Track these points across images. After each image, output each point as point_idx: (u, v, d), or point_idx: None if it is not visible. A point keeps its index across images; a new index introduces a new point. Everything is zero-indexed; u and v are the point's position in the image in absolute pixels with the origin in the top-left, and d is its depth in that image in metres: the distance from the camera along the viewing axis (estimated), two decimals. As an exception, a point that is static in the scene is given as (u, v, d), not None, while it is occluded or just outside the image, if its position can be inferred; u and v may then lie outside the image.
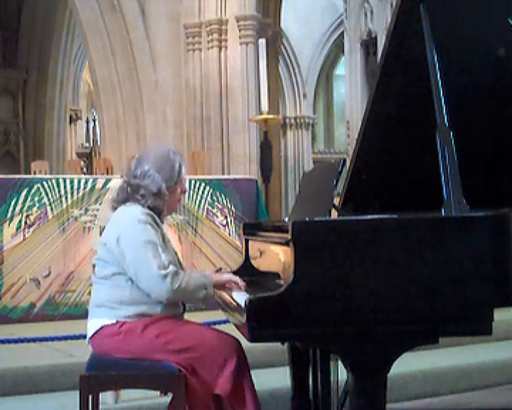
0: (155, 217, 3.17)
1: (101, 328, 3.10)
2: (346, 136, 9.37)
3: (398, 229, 2.59)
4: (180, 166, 3.25)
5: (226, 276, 3.28)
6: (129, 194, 3.20)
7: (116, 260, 3.11)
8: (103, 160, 9.68)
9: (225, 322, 3.80)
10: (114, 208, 3.25)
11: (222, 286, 3.22)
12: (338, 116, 18.59)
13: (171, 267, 3.05)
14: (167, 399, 3.30)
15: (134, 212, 3.13)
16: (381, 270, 2.54)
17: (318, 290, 2.52)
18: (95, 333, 3.13)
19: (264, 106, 7.27)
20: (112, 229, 3.18)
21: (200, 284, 3.11)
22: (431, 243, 2.57)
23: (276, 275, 3.02)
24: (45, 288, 5.83)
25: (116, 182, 5.98)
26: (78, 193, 5.94)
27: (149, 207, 3.16)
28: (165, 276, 3.01)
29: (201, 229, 6.36)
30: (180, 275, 3.06)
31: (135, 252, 3.06)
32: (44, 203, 5.86)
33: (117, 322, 3.08)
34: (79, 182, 5.99)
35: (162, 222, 3.26)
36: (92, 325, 3.15)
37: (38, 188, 5.86)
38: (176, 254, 3.30)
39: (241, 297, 2.89)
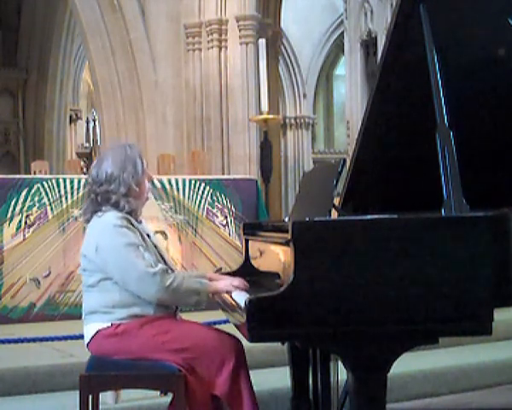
0: (130, 219, 3.13)
1: (97, 332, 3.10)
2: (346, 136, 9.36)
3: (398, 229, 2.59)
4: (141, 158, 3.20)
5: (225, 284, 3.18)
6: (100, 203, 3.15)
7: (99, 268, 3.09)
8: (103, 160, 9.66)
9: (225, 322, 3.80)
10: (88, 221, 3.20)
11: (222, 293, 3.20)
12: (338, 116, 18.59)
13: (160, 266, 3.04)
14: (167, 399, 3.30)
15: (108, 218, 3.10)
16: (380, 270, 2.54)
17: (318, 290, 2.52)
18: (92, 338, 3.12)
19: (264, 106, 7.27)
20: (89, 239, 3.14)
21: (193, 288, 3.08)
22: (431, 243, 2.57)
23: (276, 275, 3.02)
24: (45, 288, 5.83)
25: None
26: (78, 193, 5.94)
27: (126, 212, 3.13)
28: (155, 274, 3.00)
29: (201, 229, 6.36)
30: (171, 274, 3.05)
31: (117, 257, 3.03)
32: (44, 203, 5.86)
33: (112, 325, 3.07)
34: (79, 182, 5.98)
35: (140, 222, 3.22)
36: (88, 330, 3.15)
37: (38, 188, 5.86)
38: (156, 247, 3.26)
39: (241, 297, 2.89)
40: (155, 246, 3.26)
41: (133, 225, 3.13)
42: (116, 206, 3.13)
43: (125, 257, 3.02)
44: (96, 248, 3.07)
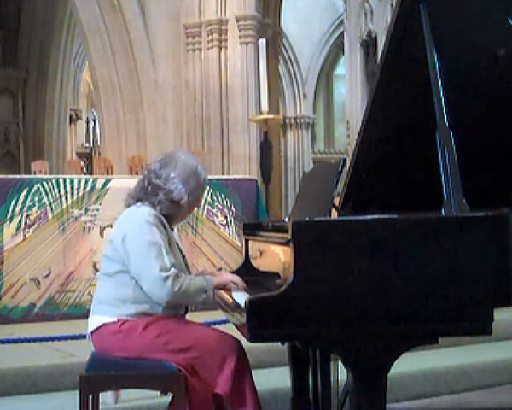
0: (163, 220, 3.16)
1: (103, 325, 3.11)
2: (346, 136, 9.37)
3: (398, 229, 2.59)
4: (204, 184, 3.25)
5: (227, 277, 3.25)
6: (147, 193, 3.18)
7: (121, 259, 3.12)
8: (103, 160, 9.70)
9: (225, 322, 3.80)
10: (128, 205, 3.24)
11: (223, 287, 3.22)
12: (338, 116, 18.60)
13: (173, 270, 3.05)
14: (167, 399, 3.30)
15: (143, 212, 3.13)
16: (380, 270, 2.54)
17: (318, 290, 2.52)
18: (96, 329, 3.13)
19: (264, 106, 7.27)
20: (119, 227, 3.19)
21: (200, 287, 3.10)
22: (431, 243, 2.57)
23: (276, 275, 3.02)
24: (45, 288, 5.83)
25: (116, 182, 6.00)
26: (78, 193, 5.93)
27: (162, 213, 3.16)
28: (166, 278, 3.02)
29: (201, 229, 6.36)
30: (181, 278, 3.06)
31: (138, 252, 3.06)
32: (44, 203, 5.86)
33: (118, 320, 3.09)
34: (79, 182, 5.98)
35: (172, 228, 3.26)
36: (93, 320, 3.16)
37: (38, 188, 5.86)
38: (184, 257, 3.30)
39: (241, 297, 2.89)
40: (183, 256, 3.29)
41: (164, 227, 3.15)
42: (157, 204, 3.15)
43: (145, 255, 3.05)
44: (123, 238, 3.10)
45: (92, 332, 3.16)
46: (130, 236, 3.10)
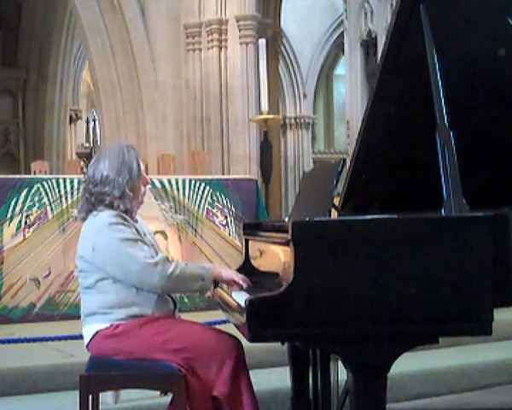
0: (125, 217, 3.13)
1: (97, 333, 3.10)
2: (346, 136, 9.36)
3: (399, 229, 2.59)
4: (138, 163, 3.19)
5: (229, 274, 3.21)
6: (94, 203, 3.15)
7: (96, 267, 3.09)
8: (103, 160, 9.66)
9: (225, 322, 3.80)
10: (84, 219, 3.20)
11: (224, 282, 3.19)
12: (338, 116, 18.59)
13: (161, 255, 3.04)
14: (167, 399, 3.30)
15: (103, 217, 3.10)
16: (380, 270, 2.54)
17: (318, 290, 2.52)
18: (91, 339, 3.12)
19: (264, 106, 7.27)
20: (85, 240, 3.15)
21: (196, 273, 3.08)
22: (431, 243, 2.57)
23: (276, 275, 3.02)
24: (45, 288, 5.83)
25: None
26: (78, 193, 5.93)
27: (121, 211, 3.13)
28: (156, 264, 3.00)
29: (201, 229, 6.36)
30: (173, 262, 3.05)
31: (115, 253, 3.04)
32: (44, 203, 5.86)
33: (111, 325, 3.07)
34: (79, 182, 5.98)
35: (135, 221, 3.22)
36: (87, 331, 3.15)
37: (38, 188, 5.86)
38: (153, 246, 3.25)
39: (241, 297, 2.89)
40: (152, 245, 3.27)
41: (128, 222, 3.13)
42: (110, 206, 3.13)
43: (122, 252, 3.03)
44: (92, 248, 3.08)
45: (88, 343, 3.14)
46: (99, 243, 3.07)
